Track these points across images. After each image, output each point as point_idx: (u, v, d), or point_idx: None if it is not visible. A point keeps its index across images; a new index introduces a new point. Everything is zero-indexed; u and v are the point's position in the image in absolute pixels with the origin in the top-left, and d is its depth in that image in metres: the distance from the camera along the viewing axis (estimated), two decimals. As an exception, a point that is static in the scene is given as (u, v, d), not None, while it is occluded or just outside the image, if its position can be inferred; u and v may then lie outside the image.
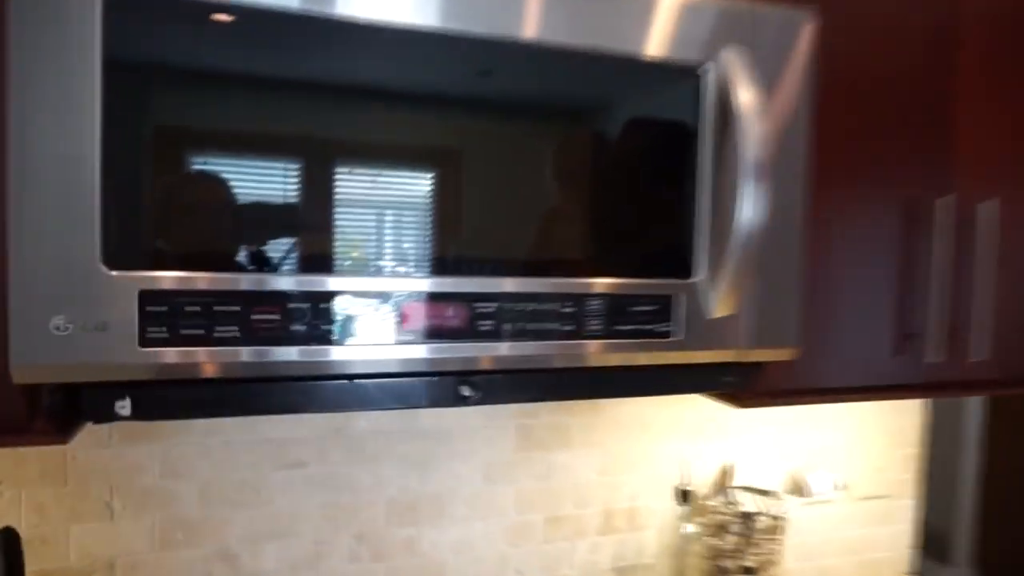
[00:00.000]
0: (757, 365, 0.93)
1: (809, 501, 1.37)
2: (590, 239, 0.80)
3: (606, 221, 0.81)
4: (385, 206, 0.73)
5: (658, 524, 1.34)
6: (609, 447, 1.30)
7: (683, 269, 0.83)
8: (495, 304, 0.75)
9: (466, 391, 0.78)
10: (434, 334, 0.73)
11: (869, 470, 1.50)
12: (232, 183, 0.68)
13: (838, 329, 1.00)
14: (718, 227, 0.83)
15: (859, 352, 1.01)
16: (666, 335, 0.82)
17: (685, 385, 0.89)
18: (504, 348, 0.76)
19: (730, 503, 1.30)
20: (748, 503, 1.31)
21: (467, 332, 0.74)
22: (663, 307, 0.82)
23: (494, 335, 0.75)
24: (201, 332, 0.66)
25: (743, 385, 0.93)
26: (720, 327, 0.85)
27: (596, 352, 0.79)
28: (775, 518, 1.27)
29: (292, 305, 0.68)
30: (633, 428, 1.31)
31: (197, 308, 0.66)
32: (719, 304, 0.83)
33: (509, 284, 0.75)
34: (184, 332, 0.65)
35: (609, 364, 0.81)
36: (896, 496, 1.52)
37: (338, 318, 0.70)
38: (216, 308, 0.66)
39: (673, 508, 1.34)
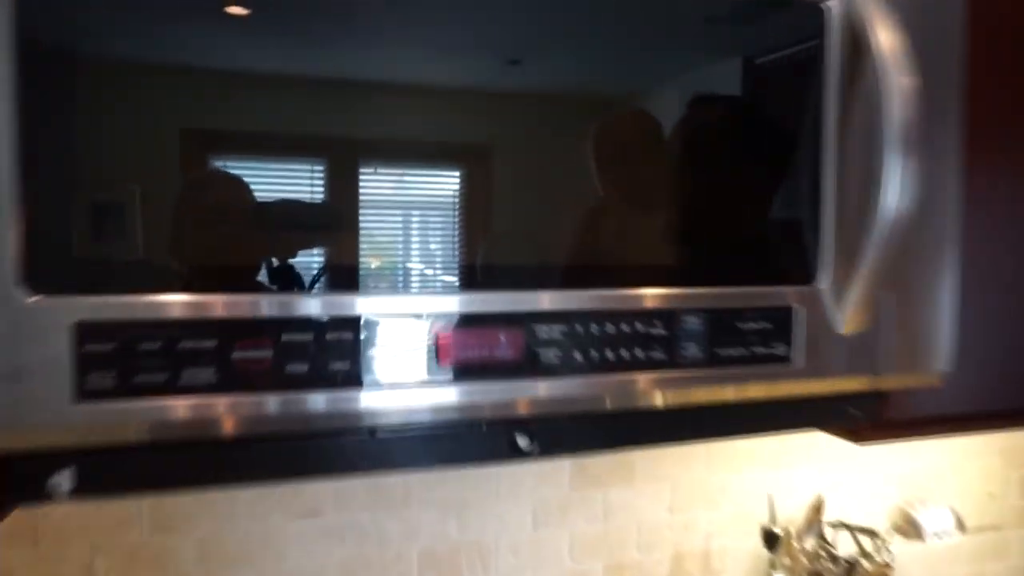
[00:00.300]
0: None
1: (923, 543, 1.15)
2: (680, 239, 0.61)
3: (699, 214, 0.61)
4: (410, 207, 0.55)
5: (738, 569, 1.14)
6: (678, 480, 1.11)
7: (803, 273, 0.64)
8: (562, 326, 0.56)
9: (523, 442, 0.59)
10: (481, 370, 0.54)
11: (980, 496, 1.28)
12: (215, 180, 0.51)
13: (987, 338, 0.79)
14: (848, 216, 0.63)
15: (1016, 366, 0.80)
16: (784, 359, 0.62)
17: (802, 421, 0.69)
18: (573, 385, 0.56)
19: (824, 544, 1.09)
20: (845, 543, 1.10)
21: (524, 365, 0.55)
22: (781, 323, 0.62)
23: (560, 368, 0.56)
24: (164, 378, 0.48)
25: (868, 417, 0.73)
26: (849, 347, 0.65)
27: (695, 385, 0.60)
28: (881, 565, 1.06)
29: (289, 337, 0.50)
30: (706, 456, 1.12)
31: (158, 345, 0.47)
32: (850, 317, 0.63)
33: (577, 299, 0.56)
34: (140, 379, 0.47)
35: (712, 401, 0.61)
36: (1013, 526, 1.30)
37: (353, 353, 0.51)
38: (185, 344, 0.48)
39: (756, 549, 1.14)
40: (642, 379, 0.58)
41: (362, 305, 0.51)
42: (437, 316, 0.53)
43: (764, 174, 0.63)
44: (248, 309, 0.49)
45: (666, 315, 0.58)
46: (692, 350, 0.60)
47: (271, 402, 0.50)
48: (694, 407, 0.63)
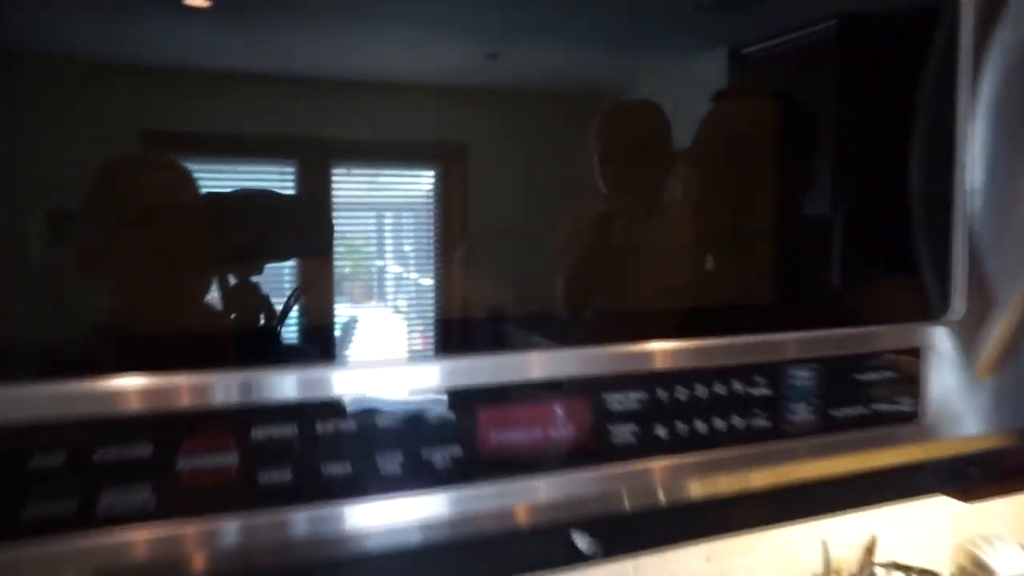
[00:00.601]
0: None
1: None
2: (767, 268, 0.47)
3: (773, 230, 0.47)
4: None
5: (782, 622, 1.01)
6: (714, 524, 0.96)
7: (925, 304, 0.49)
8: (639, 393, 0.41)
9: (582, 543, 0.44)
10: (530, 458, 0.39)
11: (1032, 524, 1.16)
12: (148, 166, 0.35)
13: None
14: (987, 227, 0.49)
15: None
16: (911, 416, 0.48)
17: (926, 487, 0.55)
18: (654, 468, 0.42)
19: (881, 592, 0.96)
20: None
21: (591, 447, 0.40)
22: (907, 370, 0.48)
23: (638, 448, 0.41)
24: (75, 506, 0.31)
25: (988, 474, 0.59)
26: (984, 395, 0.51)
27: (805, 458, 0.45)
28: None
29: (262, 433, 0.34)
30: (744, 496, 0.98)
31: (62, 458, 0.31)
32: (987, 358, 0.50)
33: (658, 356, 0.41)
34: (33, 511, 0.31)
35: (827, 475, 0.47)
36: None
37: (352, 449, 0.36)
38: (105, 454, 0.32)
39: (801, 599, 1.01)
40: (739, 455, 0.44)
41: (364, 380, 0.36)
42: (468, 389, 0.38)
43: (876, 171, 0.49)
44: (197, 396, 0.33)
45: (771, 371, 0.44)
46: (802, 413, 0.45)
47: (236, 527, 0.34)
48: (798, 484, 0.49)
